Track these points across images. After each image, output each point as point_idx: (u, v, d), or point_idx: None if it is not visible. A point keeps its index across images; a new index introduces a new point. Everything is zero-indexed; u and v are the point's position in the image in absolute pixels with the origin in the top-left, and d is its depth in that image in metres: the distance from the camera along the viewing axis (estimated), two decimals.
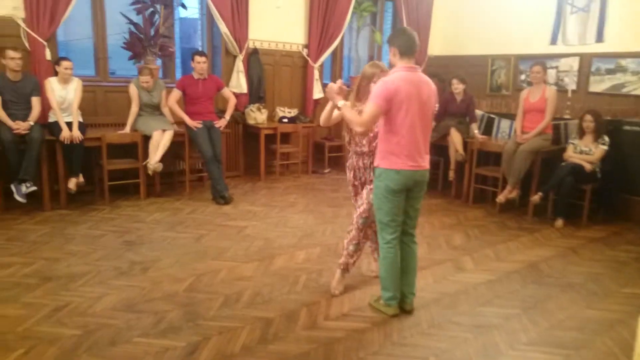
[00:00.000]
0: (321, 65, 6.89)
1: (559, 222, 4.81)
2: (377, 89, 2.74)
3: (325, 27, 6.68)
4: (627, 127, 5.10)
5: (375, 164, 2.90)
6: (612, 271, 3.78)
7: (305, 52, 6.72)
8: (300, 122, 6.50)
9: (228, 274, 3.43)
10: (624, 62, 5.65)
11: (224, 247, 3.92)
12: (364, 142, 3.17)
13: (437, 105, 2.93)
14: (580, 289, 3.45)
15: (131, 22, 5.38)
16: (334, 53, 7.13)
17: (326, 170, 6.87)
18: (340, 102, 2.89)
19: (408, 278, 3.01)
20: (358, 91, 3.13)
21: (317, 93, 6.80)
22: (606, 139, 4.83)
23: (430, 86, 2.81)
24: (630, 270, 3.83)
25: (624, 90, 5.67)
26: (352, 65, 7.94)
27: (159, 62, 5.73)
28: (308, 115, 6.77)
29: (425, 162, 2.85)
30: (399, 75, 2.73)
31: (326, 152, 6.90)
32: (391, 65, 2.86)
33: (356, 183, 3.31)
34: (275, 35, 6.49)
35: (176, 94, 5.18)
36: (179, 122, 5.31)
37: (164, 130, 4.98)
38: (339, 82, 2.93)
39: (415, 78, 2.75)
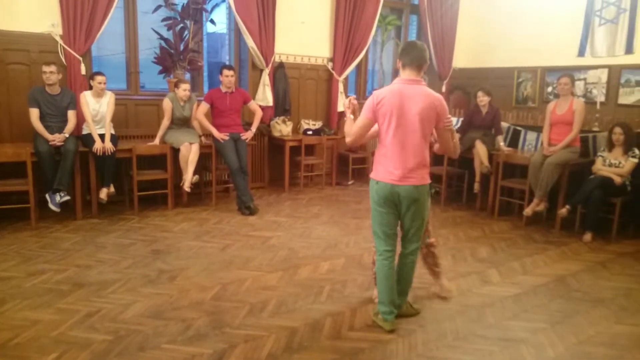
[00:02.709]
0: (346, 79, 6.96)
1: (588, 236, 4.72)
2: (367, 101, 2.77)
3: (350, 41, 6.77)
4: None
5: None
6: None
7: (330, 65, 6.80)
8: (324, 135, 6.56)
9: (253, 283, 3.48)
10: None
11: (249, 257, 3.98)
12: None
13: (447, 118, 2.77)
14: (610, 304, 3.37)
15: (162, 37, 5.56)
16: (358, 66, 7.20)
17: (350, 182, 6.90)
18: (350, 116, 2.93)
19: (398, 286, 2.95)
20: None
21: (342, 106, 6.86)
22: (637, 151, 4.73)
23: (427, 100, 2.68)
24: None
25: None
26: (376, 78, 8.01)
27: (187, 76, 5.89)
28: (332, 127, 6.83)
29: (412, 178, 2.74)
30: (390, 88, 2.74)
31: (350, 164, 6.94)
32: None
33: None
34: (301, 49, 6.61)
35: (204, 107, 5.31)
36: (207, 135, 5.43)
37: (191, 144, 5.10)
38: (350, 97, 2.97)
39: (409, 91, 2.68)
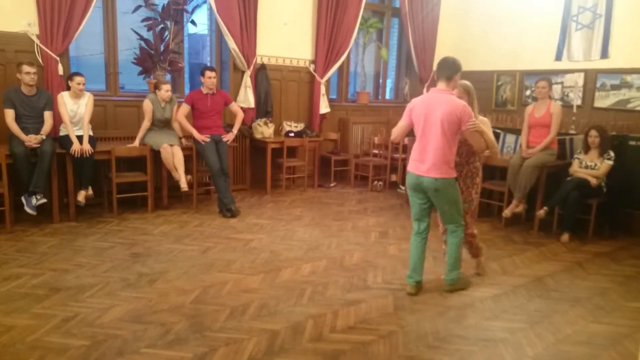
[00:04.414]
0: (328, 81, 6.98)
1: (565, 237, 4.81)
2: (407, 106, 3.40)
3: (332, 43, 6.78)
4: (632, 143, 5.11)
5: None
6: (618, 285, 3.77)
7: (312, 67, 6.81)
8: (306, 137, 6.56)
9: (234, 286, 3.46)
10: (629, 77, 5.70)
11: (230, 260, 3.95)
12: (460, 153, 3.50)
13: (471, 120, 3.15)
14: (587, 303, 3.44)
15: (142, 38, 5.50)
16: (340, 69, 7.22)
17: (332, 184, 6.91)
18: None
19: (446, 263, 3.53)
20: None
21: (324, 108, 6.88)
22: (611, 153, 4.84)
23: (449, 106, 3.15)
24: (637, 284, 3.82)
25: (629, 106, 5.70)
26: (358, 80, 8.04)
27: (168, 77, 5.83)
28: (314, 129, 6.83)
29: (432, 172, 3.21)
30: (423, 96, 3.34)
31: (332, 166, 6.95)
32: None
33: (462, 189, 3.58)
34: (283, 51, 6.60)
35: (185, 108, 5.26)
36: (187, 136, 5.38)
37: (171, 145, 5.05)
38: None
39: (435, 99, 3.21)
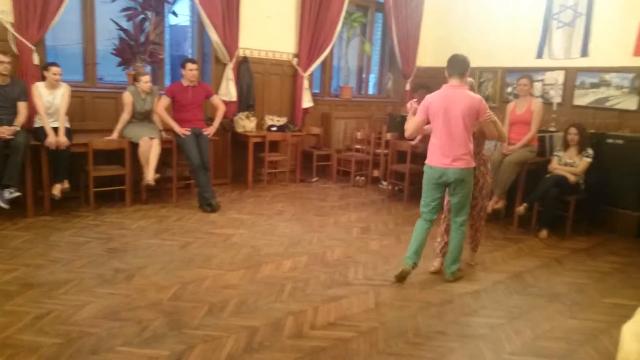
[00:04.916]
0: (311, 75, 6.93)
1: (544, 233, 4.87)
2: (420, 104, 3.53)
3: (315, 37, 6.73)
4: (610, 140, 5.19)
5: None
6: (595, 281, 3.83)
7: (295, 61, 6.75)
8: (289, 131, 6.51)
9: (214, 282, 3.41)
10: (607, 76, 5.77)
11: (210, 255, 3.90)
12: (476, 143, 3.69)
13: (487, 112, 3.45)
14: (564, 299, 3.48)
15: (121, 28, 5.37)
16: (323, 63, 7.17)
17: (314, 179, 6.88)
18: (412, 115, 3.63)
19: (448, 256, 3.66)
20: None
21: (307, 102, 6.83)
22: (590, 151, 4.90)
23: (467, 100, 3.38)
24: (613, 280, 3.88)
25: (608, 104, 5.78)
26: (341, 75, 8.01)
27: (148, 68, 5.71)
28: (297, 124, 6.78)
29: (455, 163, 3.40)
30: (439, 92, 3.48)
31: (314, 160, 6.91)
32: None
33: (478, 176, 3.78)
34: (266, 44, 6.52)
35: (165, 101, 5.17)
36: (168, 130, 5.29)
37: (151, 138, 4.96)
38: (412, 101, 3.66)
39: (452, 94, 3.41)
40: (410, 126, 3.57)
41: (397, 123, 6.37)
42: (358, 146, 7.10)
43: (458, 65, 3.42)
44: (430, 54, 7.85)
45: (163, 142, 5.12)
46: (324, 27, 6.75)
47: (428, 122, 3.54)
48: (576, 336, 2.95)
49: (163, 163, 5.35)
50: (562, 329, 3.03)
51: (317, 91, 7.44)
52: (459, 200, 3.54)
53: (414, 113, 3.60)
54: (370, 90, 8.48)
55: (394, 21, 7.46)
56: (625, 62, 5.59)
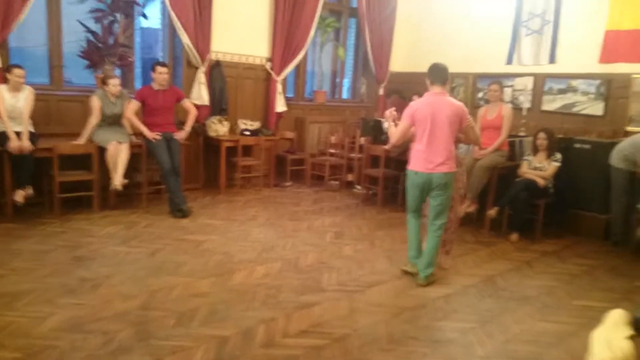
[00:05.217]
0: (284, 79, 6.89)
1: (514, 236, 4.93)
2: (405, 111, 3.64)
3: (288, 41, 6.70)
4: (577, 145, 5.31)
5: None
6: (564, 284, 3.89)
7: (268, 65, 6.70)
8: (262, 135, 6.45)
9: (183, 290, 3.33)
10: (574, 82, 5.91)
11: (180, 262, 3.81)
12: None
13: (467, 118, 3.63)
14: (535, 302, 3.52)
15: (89, 30, 5.24)
16: (297, 67, 7.15)
17: (288, 184, 6.83)
18: (392, 123, 3.83)
19: (423, 259, 3.69)
20: None
21: (280, 106, 6.79)
22: (558, 155, 5.00)
23: (451, 107, 3.53)
24: (582, 282, 3.95)
25: (575, 110, 5.92)
26: (315, 79, 8.00)
27: (117, 72, 5.58)
28: (270, 128, 6.73)
29: (439, 167, 3.51)
30: (423, 100, 3.61)
31: (288, 165, 6.87)
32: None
33: (458, 177, 3.86)
34: (239, 47, 6.46)
35: (134, 105, 5.05)
36: (137, 134, 5.17)
37: (120, 143, 4.84)
38: (391, 109, 3.89)
39: (437, 101, 3.53)
40: (396, 133, 3.69)
41: (371, 127, 6.38)
42: (332, 150, 7.09)
43: (440, 74, 3.58)
44: (403, 60, 7.91)
45: (133, 146, 5.01)
46: (297, 31, 6.73)
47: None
48: (546, 339, 2.99)
49: (133, 168, 5.23)
50: (532, 332, 3.06)
51: (291, 95, 7.41)
52: (440, 203, 3.60)
53: (394, 120, 3.76)
54: (344, 95, 8.49)
55: (367, 26, 7.49)
56: (591, 69, 5.74)
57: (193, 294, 3.27)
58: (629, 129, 5.34)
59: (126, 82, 5.94)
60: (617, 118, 5.54)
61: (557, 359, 2.78)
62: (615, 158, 4.72)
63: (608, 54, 5.61)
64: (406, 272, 3.83)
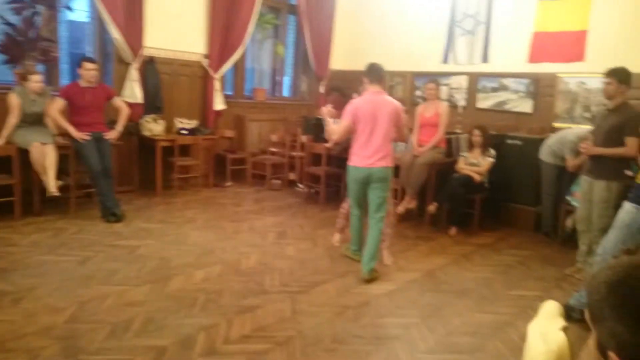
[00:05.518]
0: (223, 77, 6.71)
1: (453, 231, 5.07)
2: (346, 108, 3.73)
3: (226, 38, 6.53)
4: (509, 141, 5.54)
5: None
6: (500, 275, 4.03)
7: (205, 62, 6.50)
8: (200, 134, 6.25)
9: (117, 299, 3.13)
10: (505, 81, 6.16)
11: (113, 270, 3.59)
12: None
13: (402, 116, 3.77)
14: (473, 294, 3.62)
15: (7, 22, 4.84)
16: (236, 64, 6.98)
17: (228, 184, 6.67)
18: (330, 120, 4.05)
19: (366, 252, 3.74)
20: None
21: (219, 104, 6.60)
22: (492, 152, 5.19)
23: (390, 106, 3.67)
24: (516, 272, 4.12)
25: (506, 107, 6.17)
26: (255, 77, 7.86)
27: (41, 67, 5.20)
28: (209, 126, 6.53)
29: (379, 162, 3.64)
30: (365, 98, 3.71)
31: (228, 164, 6.71)
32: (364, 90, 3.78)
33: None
34: (174, 43, 6.21)
35: (59, 102, 4.72)
36: (64, 134, 4.84)
37: (43, 144, 4.51)
38: (328, 106, 4.16)
39: (378, 100, 3.67)
40: (338, 131, 3.82)
41: (312, 125, 6.35)
42: (273, 149, 6.99)
43: (377, 73, 3.72)
44: (343, 57, 7.94)
45: (60, 147, 4.68)
46: (235, 27, 6.57)
47: None
48: (484, 330, 3.07)
49: (60, 170, 4.88)
50: (471, 324, 3.14)
51: (229, 93, 7.23)
52: (380, 196, 3.74)
53: (332, 117, 3.88)
54: (285, 93, 8.41)
55: (306, 24, 7.45)
56: (521, 68, 6.00)
57: (127, 303, 3.09)
58: (556, 125, 5.64)
59: (51, 78, 5.55)
60: (544, 115, 5.83)
61: (495, 349, 2.85)
62: (544, 153, 4.96)
63: (536, 54, 5.89)
64: (346, 256, 4.08)
